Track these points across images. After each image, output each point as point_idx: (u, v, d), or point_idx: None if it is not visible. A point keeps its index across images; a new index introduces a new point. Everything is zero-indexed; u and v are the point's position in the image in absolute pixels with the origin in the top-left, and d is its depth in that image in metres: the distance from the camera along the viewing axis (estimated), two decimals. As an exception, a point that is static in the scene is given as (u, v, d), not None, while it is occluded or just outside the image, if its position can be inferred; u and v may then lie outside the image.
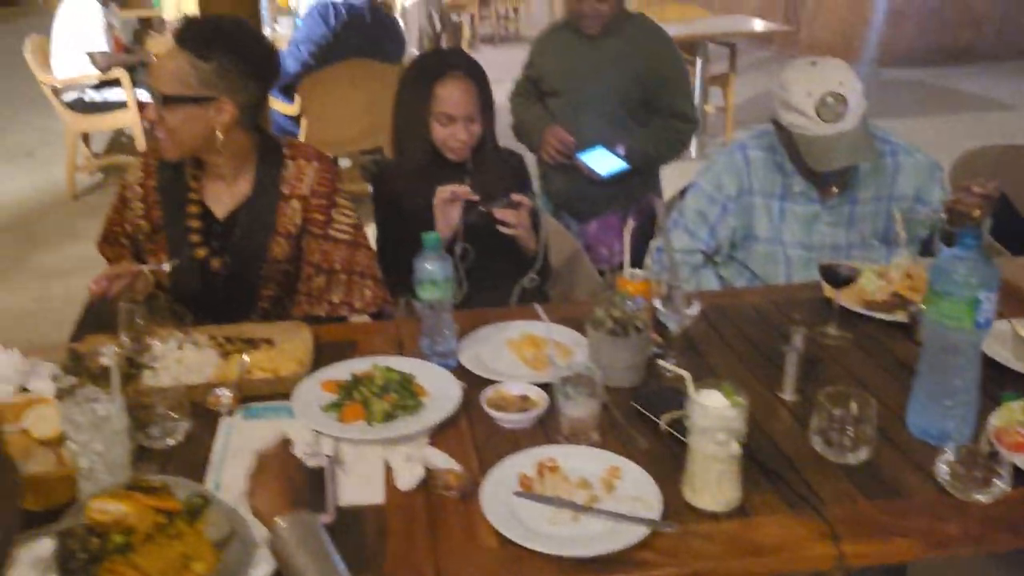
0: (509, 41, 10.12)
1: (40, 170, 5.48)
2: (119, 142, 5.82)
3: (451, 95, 1.98)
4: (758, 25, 6.31)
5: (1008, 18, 8.39)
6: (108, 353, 1.37)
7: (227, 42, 1.72)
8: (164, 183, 1.86)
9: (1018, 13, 8.38)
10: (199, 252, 1.82)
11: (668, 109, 2.55)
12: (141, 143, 4.93)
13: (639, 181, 2.62)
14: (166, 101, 1.69)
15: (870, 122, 1.97)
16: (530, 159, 2.35)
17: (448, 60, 2.05)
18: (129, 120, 4.92)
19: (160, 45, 5.32)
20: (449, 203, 1.94)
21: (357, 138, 4.24)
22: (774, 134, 2.05)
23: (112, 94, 4.87)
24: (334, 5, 4.22)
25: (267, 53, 1.83)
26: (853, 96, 1.88)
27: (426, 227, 2.01)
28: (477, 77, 2.03)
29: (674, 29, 4.98)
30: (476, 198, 1.92)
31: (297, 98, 4.16)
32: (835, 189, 2.02)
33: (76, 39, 4.84)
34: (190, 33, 1.71)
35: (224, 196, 1.85)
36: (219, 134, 1.73)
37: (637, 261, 1.85)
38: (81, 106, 4.91)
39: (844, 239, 2.05)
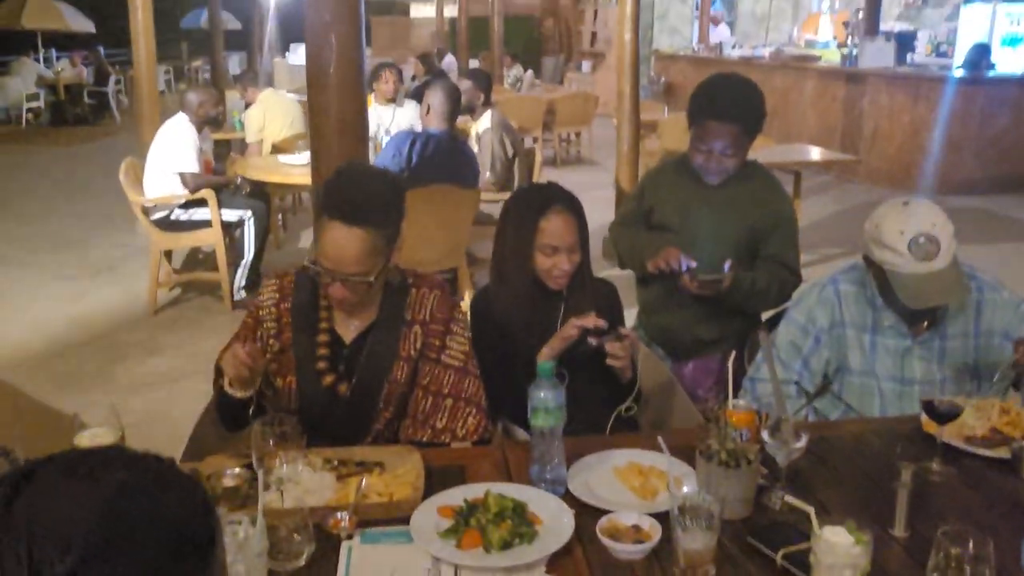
0: (571, 164, 10.47)
1: (121, 285, 5.71)
2: (196, 259, 6.06)
3: (555, 228, 2.09)
4: (817, 154, 6.47)
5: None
6: (240, 475, 1.41)
7: (381, 205, 1.83)
8: (298, 306, 1.94)
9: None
10: (327, 379, 1.89)
11: (777, 260, 2.55)
12: (222, 260, 5.12)
13: (741, 324, 2.59)
14: (348, 277, 1.79)
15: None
16: (623, 289, 2.39)
17: (550, 195, 2.16)
18: (211, 239, 5.14)
19: (242, 167, 5.60)
20: (569, 335, 2.01)
21: (435, 260, 4.36)
22: (864, 269, 2.10)
23: (198, 213, 5.11)
24: (414, 135, 4.45)
25: (402, 195, 1.93)
26: (945, 237, 1.93)
27: (522, 353, 2.09)
28: (576, 210, 2.14)
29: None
30: (605, 325, 2.00)
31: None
32: (925, 324, 2.05)
33: (169, 160, 5.13)
34: (351, 208, 1.78)
35: (352, 322, 1.94)
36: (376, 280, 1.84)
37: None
38: (167, 224, 5.16)
39: (937, 373, 2.07)
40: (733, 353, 1.77)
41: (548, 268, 2.12)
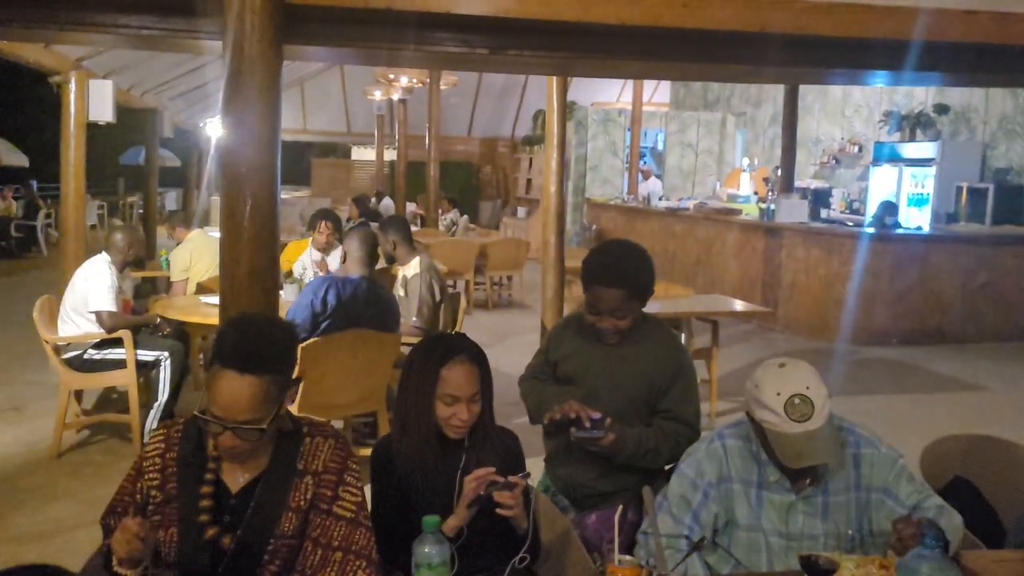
0: (502, 307, 10.63)
1: (27, 425, 5.48)
2: (109, 399, 5.89)
3: (456, 377, 2.12)
4: (738, 305, 6.71)
5: (972, 304, 8.94)
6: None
7: (274, 352, 1.85)
8: (184, 455, 1.91)
9: (980, 300, 8.95)
10: (209, 531, 1.84)
11: (672, 415, 2.60)
12: (134, 402, 4.99)
13: (639, 477, 2.60)
14: (240, 426, 1.78)
15: (835, 415, 2.10)
16: (526, 438, 2.41)
17: (453, 345, 2.20)
18: (125, 379, 5.02)
19: (163, 307, 5.55)
20: (474, 490, 2.02)
21: (353, 403, 4.33)
22: (749, 425, 2.17)
23: (113, 353, 5.01)
24: (331, 280, 4.50)
25: (296, 343, 1.96)
26: (818, 399, 2.03)
27: (423, 503, 2.08)
28: (479, 360, 2.18)
29: (658, 306, 5.32)
30: (501, 480, 2.00)
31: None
32: (808, 480, 2.11)
33: (87, 299, 5.05)
34: (244, 355, 1.79)
35: (240, 471, 1.90)
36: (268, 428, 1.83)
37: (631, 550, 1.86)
38: (79, 363, 5.03)
39: (821, 528, 2.12)
40: (621, 507, 1.78)
41: (447, 417, 2.14)
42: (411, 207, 14.74)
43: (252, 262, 2.65)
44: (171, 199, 19.85)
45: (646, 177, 15.14)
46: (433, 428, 2.16)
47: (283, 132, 2.85)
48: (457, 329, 5.34)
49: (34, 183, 16.85)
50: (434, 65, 9.74)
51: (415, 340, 4.90)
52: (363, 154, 23.36)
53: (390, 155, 19.23)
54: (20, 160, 16.60)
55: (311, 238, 6.88)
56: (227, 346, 1.83)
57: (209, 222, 10.91)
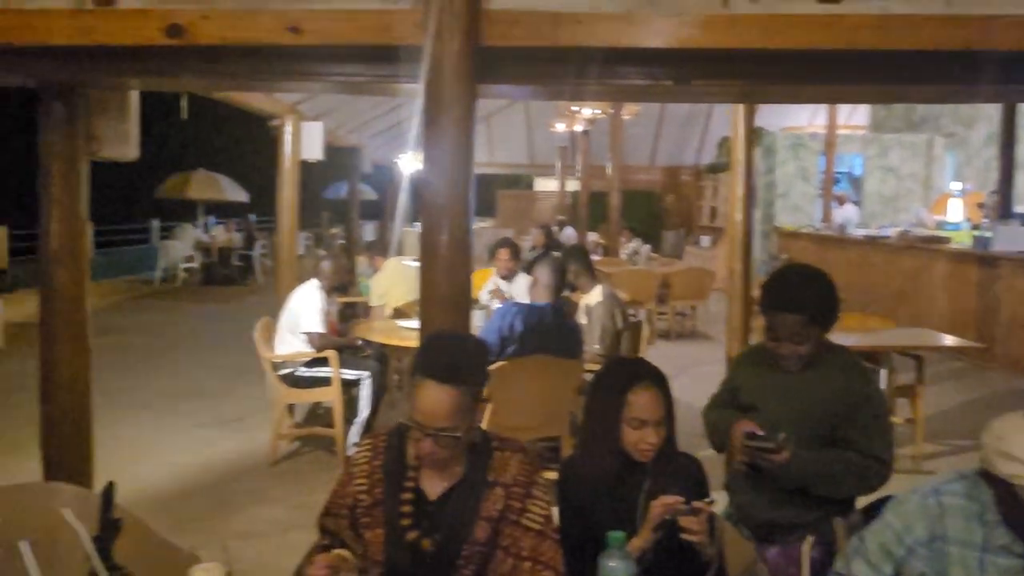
0: (685, 337, 10.49)
1: (246, 435, 6.04)
2: (316, 414, 6.37)
3: (643, 402, 2.19)
4: (947, 340, 6.13)
5: None
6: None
7: (470, 366, 2.02)
8: (388, 463, 2.10)
9: None
10: (411, 534, 2.00)
11: (858, 446, 2.50)
12: (339, 417, 5.39)
13: (823, 514, 2.51)
14: (439, 434, 1.95)
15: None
16: (713, 471, 2.42)
17: (638, 370, 2.27)
18: (331, 396, 5.44)
19: (364, 330, 5.96)
20: (659, 515, 2.06)
21: (536, 426, 4.46)
22: (974, 482, 2.02)
23: (321, 371, 5.45)
24: (518, 307, 4.67)
25: (488, 360, 2.12)
26: None
27: (605, 524, 2.13)
28: (663, 385, 2.24)
29: (854, 339, 5.07)
30: (687, 507, 2.04)
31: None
32: None
33: (298, 321, 5.55)
34: (443, 368, 1.97)
35: (438, 479, 2.06)
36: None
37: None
38: (292, 380, 5.51)
39: None
40: (810, 540, 1.75)
41: (636, 441, 2.20)
42: (592, 236, 14.89)
43: (447, 287, 2.84)
44: (369, 230, 21.16)
45: (841, 203, 14.47)
46: (616, 451, 2.22)
47: (472, 165, 3.04)
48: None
49: (252, 217, 18.54)
50: (618, 98, 9.85)
51: (597, 367, 5.01)
52: (545, 185, 23.84)
53: (572, 185, 19.53)
54: (242, 196, 18.32)
55: (495, 266, 7.15)
56: (428, 359, 2.02)
57: (403, 251, 11.55)
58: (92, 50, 3.06)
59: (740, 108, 6.02)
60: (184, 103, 6.44)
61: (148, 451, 5.66)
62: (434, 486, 2.06)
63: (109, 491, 1.93)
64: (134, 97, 3.82)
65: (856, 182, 16.22)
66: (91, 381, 3.72)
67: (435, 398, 1.94)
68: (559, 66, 3.22)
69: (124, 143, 3.77)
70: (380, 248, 8.22)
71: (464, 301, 2.88)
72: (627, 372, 2.29)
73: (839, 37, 2.89)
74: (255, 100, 7.17)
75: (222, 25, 2.93)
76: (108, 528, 1.89)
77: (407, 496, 2.04)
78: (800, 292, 2.51)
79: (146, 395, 7.11)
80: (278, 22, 2.92)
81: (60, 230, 3.55)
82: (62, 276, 3.57)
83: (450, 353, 2.03)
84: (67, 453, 3.64)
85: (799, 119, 17.79)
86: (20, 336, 9.54)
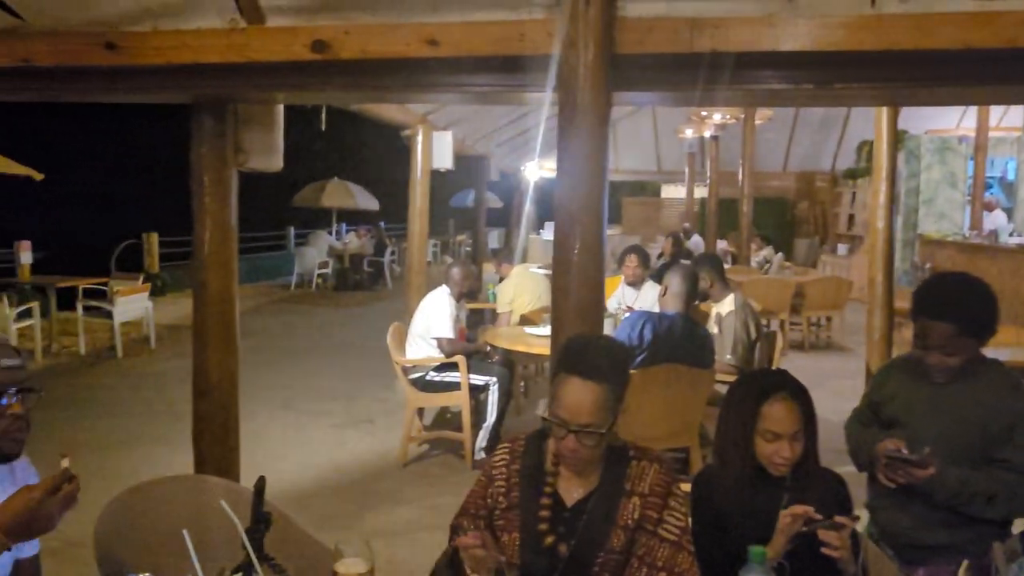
0: (820, 349, 10.11)
1: (377, 436, 6.23)
2: (443, 418, 6.50)
3: (778, 414, 2.13)
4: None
5: None
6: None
7: (614, 364, 2.03)
8: (526, 468, 2.12)
9: None
10: (548, 539, 2.01)
11: (1013, 465, 2.36)
12: (467, 421, 5.48)
13: (980, 531, 2.36)
14: (582, 430, 1.96)
15: None
16: (856, 488, 2.32)
17: (774, 382, 2.21)
18: (459, 400, 5.54)
19: (492, 336, 6.04)
20: (791, 525, 2.01)
21: (665, 437, 4.39)
22: None
23: (450, 376, 5.56)
24: (648, 315, 4.61)
25: (629, 363, 2.11)
26: None
27: (741, 537, 2.09)
28: (801, 398, 2.16)
29: (1006, 354, 4.73)
30: (820, 518, 1.98)
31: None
32: None
33: (429, 326, 5.68)
34: (588, 364, 1.99)
35: (575, 486, 2.07)
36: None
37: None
38: (422, 384, 5.64)
39: None
40: (964, 563, 1.66)
41: (769, 454, 2.14)
42: (722, 244, 14.56)
43: (579, 295, 2.83)
44: (493, 237, 21.45)
45: (990, 210, 13.59)
46: (752, 464, 2.17)
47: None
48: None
49: (383, 224, 19.14)
50: (755, 103, 9.58)
51: (729, 378, 4.89)
52: (672, 192, 23.51)
53: (699, 192, 19.17)
54: (373, 204, 18.94)
55: (623, 274, 7.10)
56: (572, 356, 2.03)
57: (527, 259, 11.64)
58: (243, 66, 3.23)
59: (883, 111, 5.75)
60: (323, 115, 6.72)
61: (287, 449, 5.93)
62: (571, 492, 2.07)
63: (260, 485, 2.03)
64: (279, 110, 4.02)
65: (1009, 187, 15.17)
66: (239, 382, 3.91)
67: (579, 394, 1.95)
68: (694, 72, 3.15)
69: (270, 154, 3.97)
70: (506, 255, 8.31)
71: (597, 310, 2.87)
72: (762, 383, 2.24)
73: (997, 35, 2.71)
74: (388, 111, 7.39)
75: (364, 40, 3.04)
76: (259, 521, 1.98)
77: (545, 502, 2.05)
78: (954, 301, 2.39)
79: (285, 395, 7.45)
80: (416, 36, 3.00)
81: (211, 237, 3.77)
82: (214, 282, 3.79)
83: (594, 351, 2.04)
84: (216, 448, 3.84)
85: (946, 121, 16.79)
86: (169, 337, 10.20)
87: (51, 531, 1.83)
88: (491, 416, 5.54)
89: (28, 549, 2.09)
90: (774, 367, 5.25)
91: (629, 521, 2.01)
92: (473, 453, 5.50)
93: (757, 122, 13.38)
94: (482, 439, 5.53)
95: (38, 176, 9.56)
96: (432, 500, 4.87)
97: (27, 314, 9.06)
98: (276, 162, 3.99)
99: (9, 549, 1.78)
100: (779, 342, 5.51)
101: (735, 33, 2.85)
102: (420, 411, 5.94)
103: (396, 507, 4.85)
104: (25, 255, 11.39)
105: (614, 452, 2.08)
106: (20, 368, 1.98)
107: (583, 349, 2.06)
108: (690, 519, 2.18)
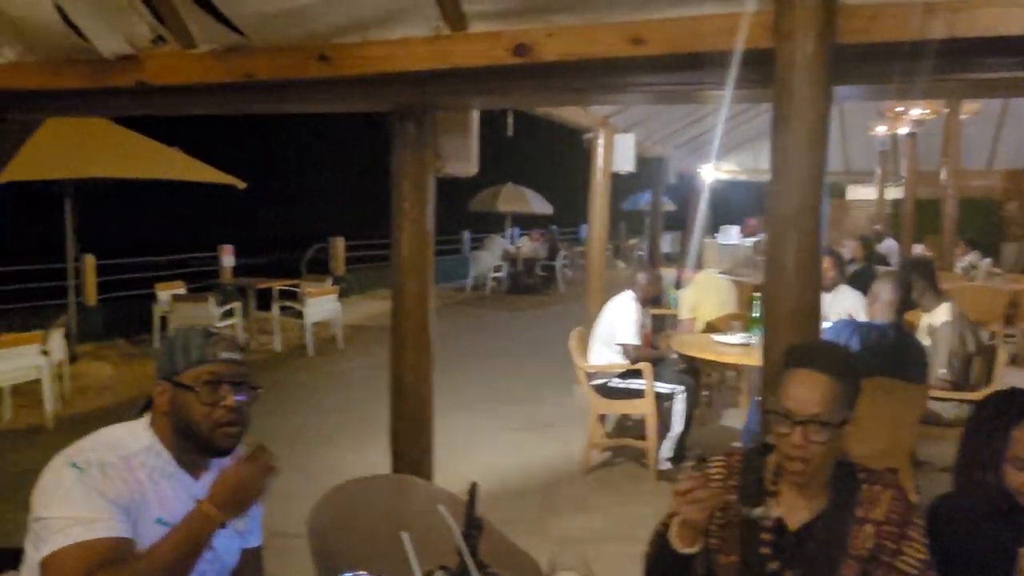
0: (1037, 364, 9.20)
1: (559, 441, 6.21)
2: (624, 426, 6.39)
3: None
4: None
5: None
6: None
7: (842, 359, 1.92)
8: (745, 486, 1.97)
9: None
10: (771, 564, 1.88)
11: None
12: (652, 430, 5.34)
13: None
14: (811, 420, 1.83)
15: None
16: None
17: None
18: (643, 408, 5.41)
19: (678, 343, 5.86)
20: None
21: (873, 456, 4.05)
22: None
23: (634, 383, 5.44)
24: (856, 324, 4.31)
25: (860, 373, 1.96)
26: None
27: (975, 572, 1.90)
28: None
29: None
30: None
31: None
32: None
33: (614, 332, 5.59)
34: (816, 355, 1.91)
35: (799, 508, 1.92)
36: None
37: None
38: (605, 390, 5.56)
39: None
40: None
41: (1021, 484, 1.93)
42: (917, 248, 13.56)
43: (795, 301, 2.65)
44: (667, 241, 21.07)
45: None
46: (997, 493, 1.96)
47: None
48: (991, 386, 4.75)
49: (555, 228, 19.25)
50: (982, 94, 8.72)
51: (943, 394, 4.49)
52: (858, 193, 22.21)
53: (890, 193, 17.99)
54: (547, 208, 19.11)
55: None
56: (800, 352, 1.94)
57: (702, 263, 11.31)
58: (444, 73, 3.27)
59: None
60: (510, 120, 6.78)
61: (470, 450, 6.02)
62: (795, 515, 1.92)
63: (474, 490, 2.01)
64: (475, 116, 4.06)
65: None
66: (433, 384, 3.98)
67: (808, 382, 1.85)
68: (921, 62, 2.90)
69: (466, 160, 4.02)
70: (681, 259, 8.09)
71: (813, 320, 2.66)
72: (1016, 404, 2.03)
73: None
74: (571, 114, 7.37)
75: (566, 41, 2.99)
76: (473, 526, 1.97)
77: (767, 524, 1.91)
78: None
79: (465, 397, 7.59)
80: (620, 35, 2.92)
81: (409, 242, 3.85)
82: (411, 285, 3.87)
83: (823, 347, 2.02)
84: (411, 448, 3.93)
85: None
86: (354, 338, 10.69)
87: (260, 499, 1.90)
88: (677, 426, 5.37)
89: (253, 540, 2.17)
90: (994, 384, 4.80)
91: (863, 551, 1.84)
92: (657, 463, 5.36)
93: (962, 117, 12.36)
94: (667, 449, 5.38)
95: (241, 185, 10.27)
96: (618, 509, 4.78)
97: (229, 313, 9.78)
98: (471, 167, 4.03)
99: (223, 527, 1.84)
100: (1001, 356, 5.01)
101: (975, 17, 2.58)
102: (602, 417, 5.86)
103: (580, 514, 4.79)
104: (227, 258, 12.31)
105: (842, 470, 1.92)
106: (240, 363, 1.98)
107: (812, 345, 2.03)
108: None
